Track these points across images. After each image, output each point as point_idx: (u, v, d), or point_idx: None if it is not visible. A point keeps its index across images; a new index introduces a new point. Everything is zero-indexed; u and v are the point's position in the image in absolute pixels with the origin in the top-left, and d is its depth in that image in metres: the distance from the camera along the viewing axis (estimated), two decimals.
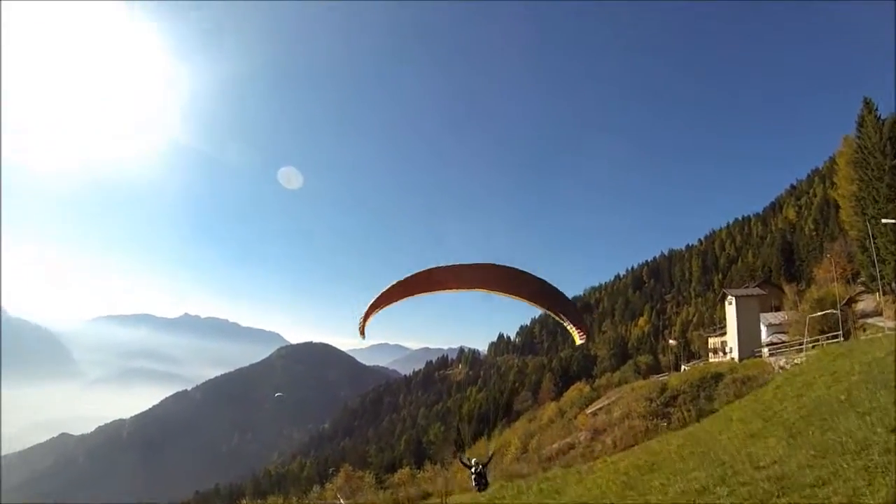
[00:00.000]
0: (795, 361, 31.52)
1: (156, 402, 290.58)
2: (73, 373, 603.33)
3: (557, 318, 11.57)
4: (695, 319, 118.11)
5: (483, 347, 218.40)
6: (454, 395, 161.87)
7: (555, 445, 45.38)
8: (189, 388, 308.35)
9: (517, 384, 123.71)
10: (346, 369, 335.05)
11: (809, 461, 9.59)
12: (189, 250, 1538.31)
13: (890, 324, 35.19)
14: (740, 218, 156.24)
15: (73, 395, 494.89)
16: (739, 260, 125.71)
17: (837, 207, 61.04)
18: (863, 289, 47.63)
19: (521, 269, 11.15)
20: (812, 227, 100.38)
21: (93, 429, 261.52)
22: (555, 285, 11.37)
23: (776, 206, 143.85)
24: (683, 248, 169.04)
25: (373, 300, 11.07)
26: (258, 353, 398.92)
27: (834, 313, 36.16)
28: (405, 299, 11.31)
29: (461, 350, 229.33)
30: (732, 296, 48.23)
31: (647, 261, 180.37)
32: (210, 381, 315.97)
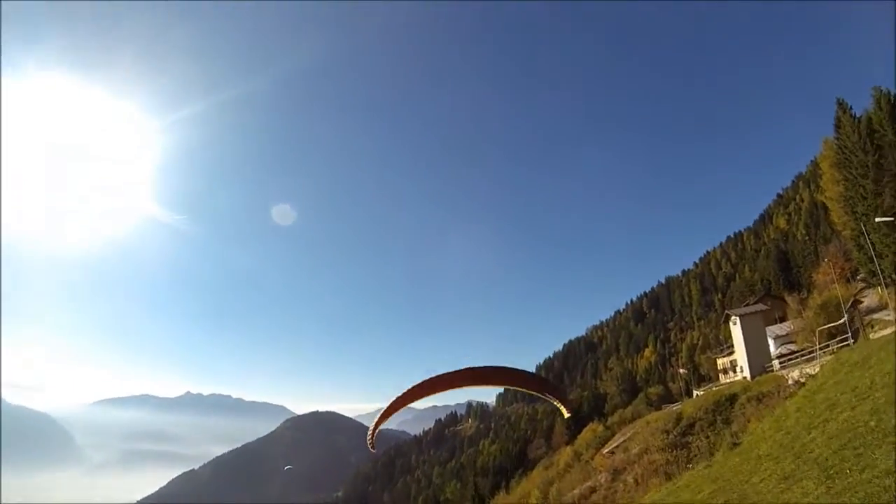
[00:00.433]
0: (809, 372, 30.65)
1: (163, 482, 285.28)
2: (78, 458, 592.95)
3: (545, 398, 13.25)
4: (700, 342, 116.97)
5: (491, 400, 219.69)
6: (467, 451, 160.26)
7: (576, 491, 44.40)
8: (197, 467, 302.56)
9: (529, 432, 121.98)
10: (354, 435, 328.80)
11: None
12: (186, 328, 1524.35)
13: None
14: (732, 235, 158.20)
15: (78, 481, 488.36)
16: (737, 276, 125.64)
17: (826, 209, 60.82)
18: (864, 285, 47.06)
19: (508, 366, 13.17)
20: (804, 232, 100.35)
21: None
22: (536, 373, 12.03)
23: (766, 217, 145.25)
24: (680, 274, 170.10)
25: (379, 416, 12.97)
26: (265, 427, 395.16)
27: (841, 315, 35.16)
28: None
29: (469, 404, 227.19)
30: (736, 315, 47.21)
31: (645, 292, 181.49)
32: (217, 458, 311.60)
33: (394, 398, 12.47)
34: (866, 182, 41.03)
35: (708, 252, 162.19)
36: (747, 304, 58.76)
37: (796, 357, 38.73)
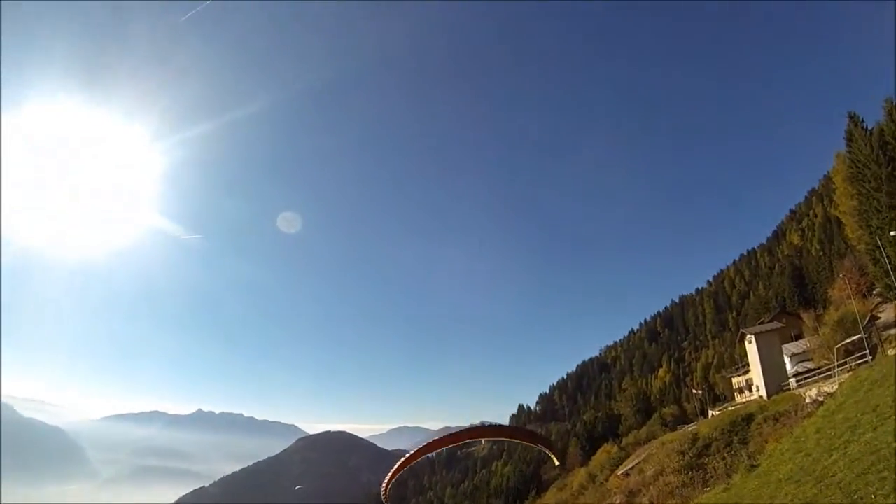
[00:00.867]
0: (827, 391, 30.22)
1: (173, 499, 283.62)
2: (89, 472, 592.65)
3: (537, 448, 14.73)
4: (715, 361, 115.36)
5: (504, 421, 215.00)
6: (480, 472, 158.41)
7: None
8: (207, 485, 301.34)
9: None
10: (366, 454, 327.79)
11: None
12: (199, 345, 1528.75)
13: None
14: (746, 252, 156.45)
15: (89, 495, 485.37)
16: (751, 294, 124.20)
17: (840, 224, 60.04)
18: (881, 300, 46.17)
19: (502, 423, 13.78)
20: (818, 247, 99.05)
21: None
22: (527, 428, 12.64)
23: (779, 234, 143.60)
24: (694, 293, 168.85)
25: (392, 471, 14.58)
26: (277, 446, 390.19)
27: (858, 331, 34.54)
28: None
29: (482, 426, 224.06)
30: (751, 334, 46.50)
31: (659, 311, 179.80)
32: (228, 476, 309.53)
33: (405, 456, 13.47)
34: (880, 195, 40.39)
35: (722, 270, 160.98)
36: (762, 322, 57.96)
37: (813, 375, 38.17)
